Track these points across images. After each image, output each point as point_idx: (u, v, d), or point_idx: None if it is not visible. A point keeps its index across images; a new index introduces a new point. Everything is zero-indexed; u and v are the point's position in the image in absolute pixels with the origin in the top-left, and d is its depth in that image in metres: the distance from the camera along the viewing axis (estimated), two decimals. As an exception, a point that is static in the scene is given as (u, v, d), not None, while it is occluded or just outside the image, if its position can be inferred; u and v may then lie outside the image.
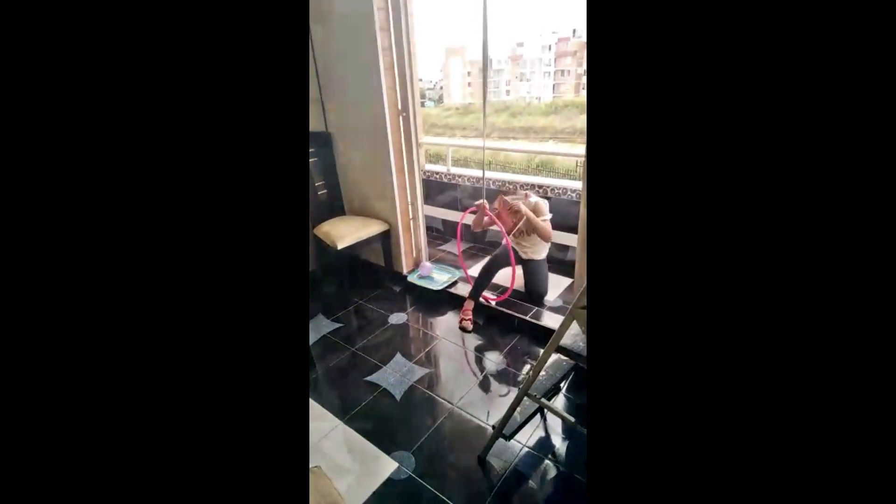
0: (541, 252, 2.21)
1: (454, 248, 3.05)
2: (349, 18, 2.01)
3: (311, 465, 0.99)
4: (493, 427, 1.35)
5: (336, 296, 2.43)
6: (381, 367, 1.85)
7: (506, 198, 2.15)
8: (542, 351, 1.15)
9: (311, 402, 1.67)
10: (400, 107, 2.18)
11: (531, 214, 2.04)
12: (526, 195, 2.16)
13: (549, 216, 2.11)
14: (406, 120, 2.21)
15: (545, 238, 2.09)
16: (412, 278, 2.48)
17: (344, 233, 2.24)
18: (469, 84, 31.25)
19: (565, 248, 2.65)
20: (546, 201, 2.18)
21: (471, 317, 2.12)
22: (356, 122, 2.28)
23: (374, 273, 2.64)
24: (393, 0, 1.97)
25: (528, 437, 1.47)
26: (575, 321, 1.05)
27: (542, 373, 1.41)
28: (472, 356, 1.93)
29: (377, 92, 2.07)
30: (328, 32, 2.13)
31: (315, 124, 2.42)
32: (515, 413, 1.32)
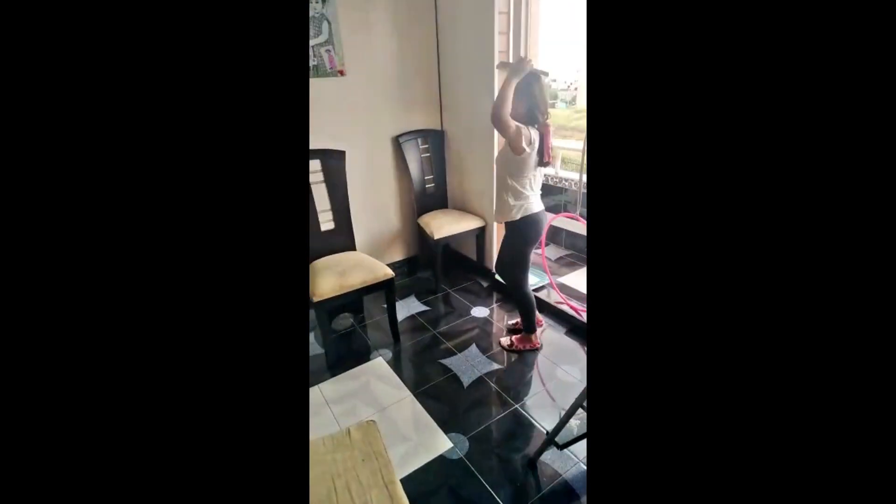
0: (512, 211, 1.68)
1: (551, 252, 3.00)
2: (471, 24, 2.12)
3: (367, 420, 1.13)
4: (548, 433, 1.34)
5: (429, 281, 2.61)
6: (455, 354, 1.95)
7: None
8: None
9: (389, 372, 1.85)
10: (510, 108, 2.22)
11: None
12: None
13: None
14: (514, 121, 2.25)
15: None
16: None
17: (441, 224, 2.40)
18: (606, 85, 29.36)
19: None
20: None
21: (524, 346, 1.96)
22: (468, 121, 2.40)
23: (465, 266, 2.76)
24: (515, 4, 2.03)
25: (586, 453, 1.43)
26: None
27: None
28: (547, 364, 1.91)
29: (490, 94, 2.16)
30: (453, 37, 2.28)
31: (432, 122, 2.61)
32: (572, 423, 1.30)
